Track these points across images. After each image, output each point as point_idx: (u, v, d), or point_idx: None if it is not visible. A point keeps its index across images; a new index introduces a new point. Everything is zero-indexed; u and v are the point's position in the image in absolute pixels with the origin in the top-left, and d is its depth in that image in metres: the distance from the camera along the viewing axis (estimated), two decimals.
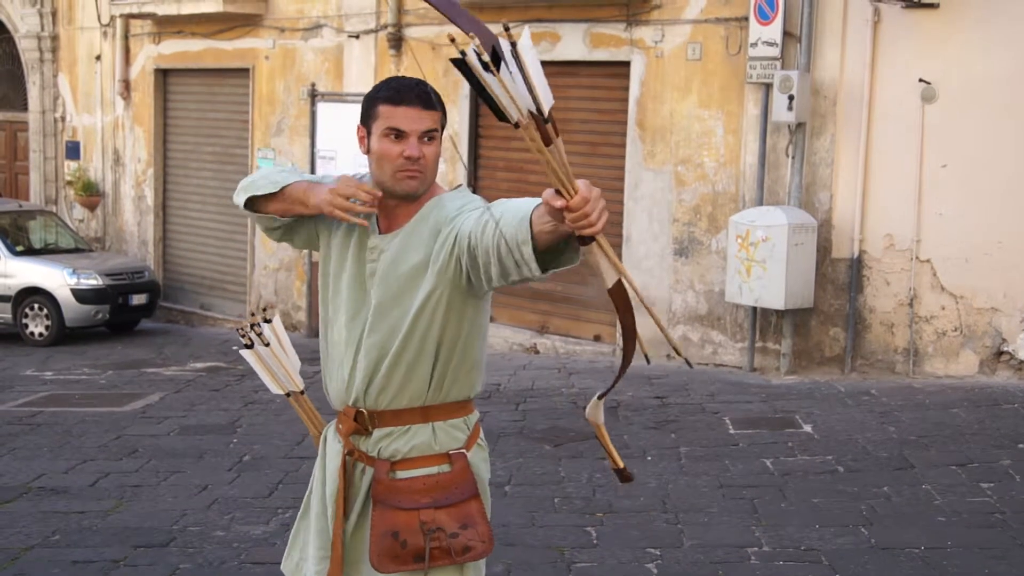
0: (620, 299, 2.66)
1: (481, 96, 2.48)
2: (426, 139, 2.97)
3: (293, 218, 3.16)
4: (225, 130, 16.36)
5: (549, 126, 2.50)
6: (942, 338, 9.96)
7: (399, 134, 2.95)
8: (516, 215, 2.72)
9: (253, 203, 3.18)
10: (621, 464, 2.87)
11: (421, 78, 3.06)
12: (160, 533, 6.19)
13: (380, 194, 2.96)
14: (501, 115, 2.49)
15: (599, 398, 2.82)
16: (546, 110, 2.46)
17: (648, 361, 2.66)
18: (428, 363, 3.00)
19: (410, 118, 2.94)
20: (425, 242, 2.98)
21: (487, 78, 2.43)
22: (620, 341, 2.80)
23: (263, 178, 3.15)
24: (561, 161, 2.51)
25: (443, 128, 3.03)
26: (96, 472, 7.55)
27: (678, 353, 2.78)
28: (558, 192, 2.53)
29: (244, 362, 3.37)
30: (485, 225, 2.78)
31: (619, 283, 2.62)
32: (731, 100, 10.98)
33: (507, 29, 2.44)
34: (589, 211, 2.48)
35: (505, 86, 2.43)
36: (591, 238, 2.53)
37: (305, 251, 13.72)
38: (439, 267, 2.94)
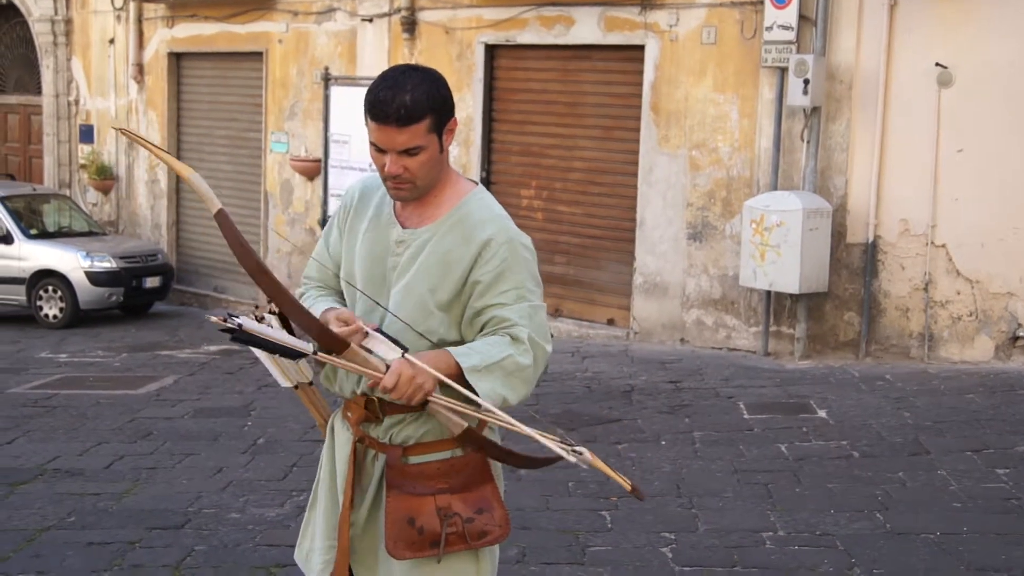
0: (472, 442, 2.98)
1: (271, 351, 2.87)
2: (409, 153, 2.90)
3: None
4: (238, 114, 16.35)
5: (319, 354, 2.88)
6: (957, 323, 9.92)
7: (381, 149, 2.92)
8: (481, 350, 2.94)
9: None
10: (628, 485, 2.98)
11: (419, 70, 2.95)
12: (175, 515, 6.20)
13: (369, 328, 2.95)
14: (295, 355, 2.87)
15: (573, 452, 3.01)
16: (309, 349, 2.85)
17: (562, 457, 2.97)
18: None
19: (388, 136, 2.88)
20: (455, 255, 2.97)
21: (269, 333, 2.82)
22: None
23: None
24: (361, 362, 2.85)
25: (440, 127, 2.93)
26: (111, 454, 7.57)
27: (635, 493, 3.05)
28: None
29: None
30: (484, 331, 2.97)
31: (466, 431, 2.93)
32: (746, 84, 10.93)
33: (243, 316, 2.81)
34: (400, 394, 2.81)
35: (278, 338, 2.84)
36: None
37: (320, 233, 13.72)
38: (456, 295, 2.98)
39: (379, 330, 2.87)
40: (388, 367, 2.80)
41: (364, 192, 3.17)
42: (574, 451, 2.94)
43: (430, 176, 2.97)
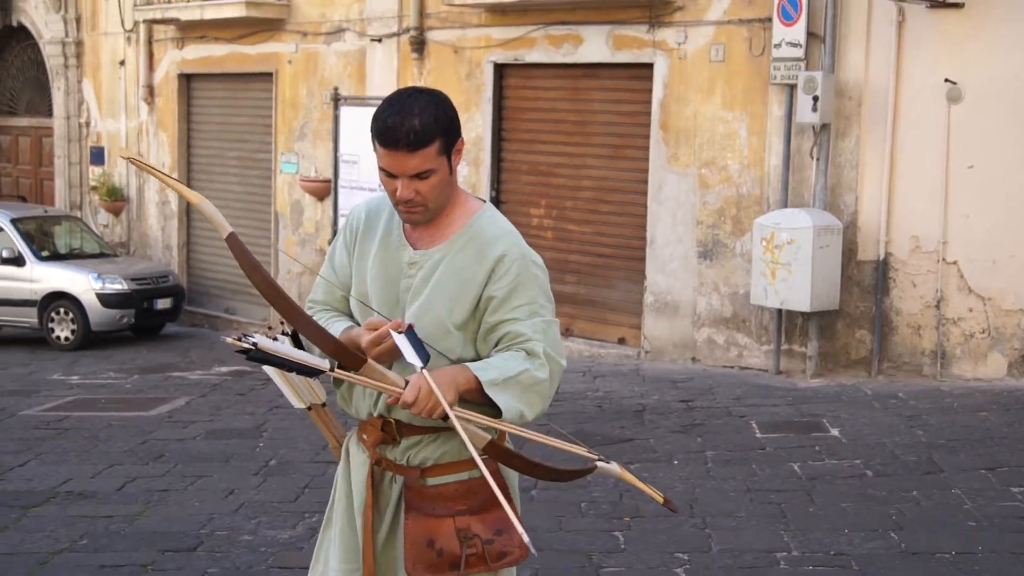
0: (497, 456, 2.99)
1: (288, 369, 2.88)
2: (421, 177, 2.91)
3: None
4: (248, 134, 16.41)
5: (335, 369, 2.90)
6: (970, 340, 9.89)
7: (391, 174, 2.93)
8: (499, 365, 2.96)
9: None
10: (661, 498, 3.06)
11: (424, 92, 2.96)
12: (187, 537, 6.20)
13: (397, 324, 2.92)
14: (312, 372, 2.89)
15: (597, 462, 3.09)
16: (325, 366, 2.86)
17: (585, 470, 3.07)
18: None
19: (398, 162, 2.88)
20: (469, 272, 2.98)
21: (285, 351, 2.83)
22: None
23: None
24: (379, 377, 2.87)
25: (449, 149, 2.94)
26: (123, 476, 7.57)
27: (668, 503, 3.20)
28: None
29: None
30: (499, 346, 2.99)
31: (491, 444, 2.96)
32: (755, 101, 10.94)
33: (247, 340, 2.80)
34: (419, 409, 2.81)
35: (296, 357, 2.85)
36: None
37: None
38: (471, 312, 2.99)
39: (411, 330, 2.85)
40: (407, 383, 2.80)
41: (370, 214, 3.17)
42: (601, 459, 2.97)
43: (441, 198, 2.98)
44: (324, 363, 2.83)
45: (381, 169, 2.94)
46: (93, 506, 6.87)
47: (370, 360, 2.84)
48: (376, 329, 2.89)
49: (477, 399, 2.88)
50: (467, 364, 2.91)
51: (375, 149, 2.93)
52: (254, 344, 2.72)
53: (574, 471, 3.12)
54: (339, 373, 2.86)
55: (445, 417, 2.81)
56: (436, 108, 2.90)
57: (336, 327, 3.09)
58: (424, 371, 2.80)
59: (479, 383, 2.86)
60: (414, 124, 2.85)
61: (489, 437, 2.91)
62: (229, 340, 2.77)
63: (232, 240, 2.88)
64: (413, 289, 3.03)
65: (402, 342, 2.81)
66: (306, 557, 5.54)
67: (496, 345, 2.97)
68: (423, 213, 2.98)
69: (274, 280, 2.94)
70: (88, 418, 9.62)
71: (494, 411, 2.90)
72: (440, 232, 3.04)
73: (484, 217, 3.06)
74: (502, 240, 3.01)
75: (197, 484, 7.36)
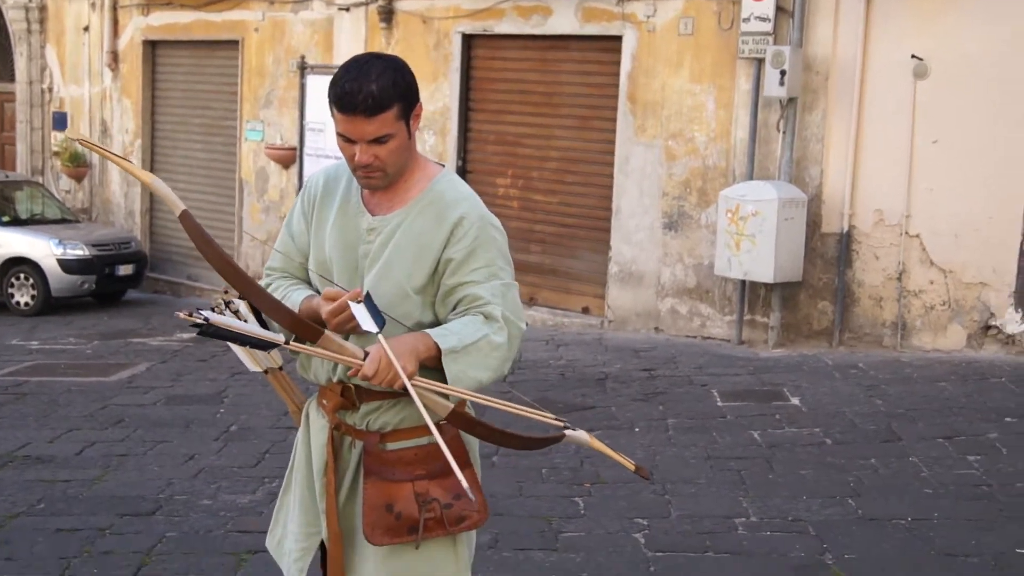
0: (458, 423, 2.94)
1: (241, 343, 2.83)
2: (379, 142, 2.89)
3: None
4: (214, 102, 16.26)
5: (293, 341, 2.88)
6: (930, 312, 9.97)
7: (349, 139, 2.90)
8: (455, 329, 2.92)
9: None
10: (632, 466, 3.03)
11: (381, 58, 2.93)
12: (146, 502, 6.16)
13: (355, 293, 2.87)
14: (267, 346, 2.84)
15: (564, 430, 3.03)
16: (281, 340, 2.83)
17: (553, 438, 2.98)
18: None
19: (356, 127, 2.86)
20: (428, 236, 2.97)
21: (238, 326, 2.78)
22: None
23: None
24: (337, 349, 2.83)
25: (408, 114, 2.91)
26: (82, 441, 7.52)
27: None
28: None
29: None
30: (457, 309, 2.96)
31: (452, 412, 2.89)
32: (723, 75, 10.93)
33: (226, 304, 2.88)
34: (379, 380, 2.77)
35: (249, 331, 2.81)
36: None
37: None
38: (431, 276, 2.97)
39: (368, 298, 2.82)
40: (366, 354, 2.78)
41: (328, 180, 3.15)
42: (568, 426, 2.95)
43: (400, 163, 2.96)
44: (279, 336, 2.81)
45: (339, 135, 2.92)
46: (51, 470, 6.82)
47: (328, 332, 2.80)
48: (335, 299, 2.86)
49: (439, 365, 2.86)
50: (427, 331, 2.88)
51: (332, 115, 2.91)
52: (205, 319, 2.68)
53: (541, 439, 3.11)
54: (295, 346, 2.84)
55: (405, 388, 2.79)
56: (394, 73, 2.88)
57: (295, 296, 3.07)
58: (383, 341, 2.77)
59: (439, 350, 2.84)
60: (372, 89, 2.83)
61: (451, 406, 2.88)
62: (181, 315, 2.74)
63: (185, 218, 2.88)
64: (371, 255, 3.01)
65: (359, 311, 2.78)
66: (265, 522, 5.51)
67: (455, 308, 2.95)
68: (381, 178, 2.95)
69: (229, 256, 2.93)
70: (47, 383, 9.55)
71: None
72: (399, 197, 3.02)
73: (443, 181, 3.05)
74: (461, 203, 3.00)
75: (157, 449, 7.32)
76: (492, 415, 3.06)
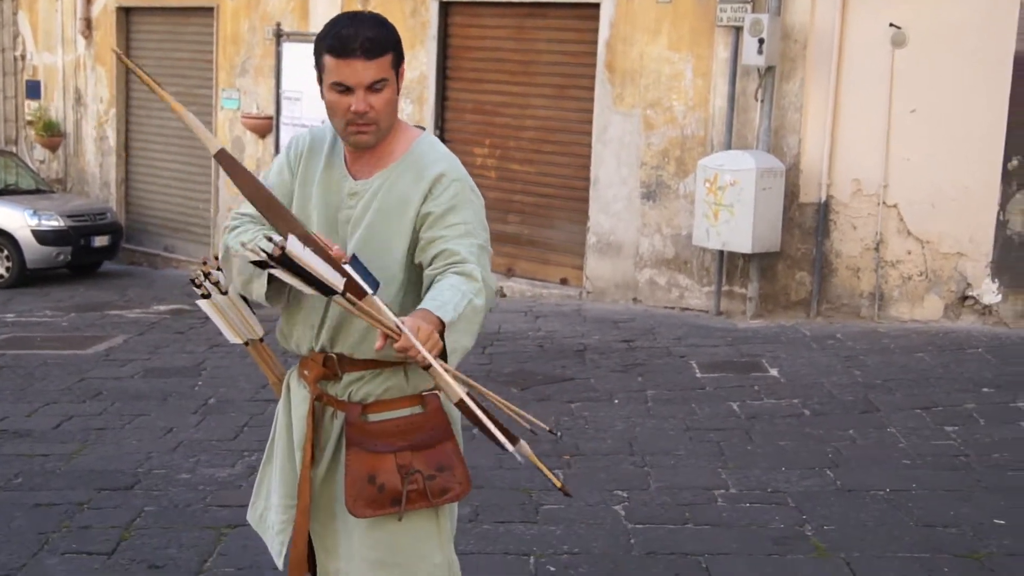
0: (467, 414, 2.79)
1: (304, 281, 2.64)
2: (375, 89, 2.88)
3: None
4: (189, 70, 16.11)
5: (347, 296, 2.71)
6: (907, 283, 10.00)
7: (345, 88, 2.87)
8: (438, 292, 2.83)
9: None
10: (559, 483, 2.93)
11: (368, 12, 2.97)
12: (124, 476, 6.14)
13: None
14: (326, 290, 2.66)
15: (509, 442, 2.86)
16: (340, 286, 2.66)
17: (504, 447, 2.79)
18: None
19: (354, 71, 2.85)
20: (408, 194, 2.95)
21: (309, 260, 2.60)
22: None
23: (255, 279, 2.99)
24: (378, 312, 2.69)
25: (399, 66, 2.94)
26: (59, 415, 7.48)
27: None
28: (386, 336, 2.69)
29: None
30: (434, 264, 2.90)
31: (462, 401, 2.75)
32: (701, 43, 10.90)
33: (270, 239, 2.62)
34: (413, 355, 2.64)
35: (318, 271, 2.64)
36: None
37: None
38: (412, 236, 2.95)
39: (355, 260, 2.77)
40: (399, 324, 2.67)
41: (314, 139, 3.13)
42: (512, 439, 2.81)
43: (391, 119, 2.96)
44: (339, 284, 2.67)
45: (333, 85, 2.88)
46: (29, 444, 6.78)
47: (372, 295, 2.72)
48: (328, 247, 2.77)
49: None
50: (426, 306, 2.80)
51: (323, 68, 2.89)
52: (282, 248, 2.55)
53: (502, 434, 3.03)
54: (341, 302, 2.69)
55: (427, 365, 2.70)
56: (384, 23, 2.92)
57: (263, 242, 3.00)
58: (409, 321, 2.67)
59: (442, 324, 2.77)
60: (369, 34, 2.85)
61: (465, 391, 2.77)
62: (247, 246, 2.66)
63: (222, 156, 2.84)
64: (353, 220, 2.99)
65: (351, 272, 2.74)
66: (244, 495, 5.51)
67: (431, 264, 2.91)
68: (374, 133, 2.93)
69: (273, 195, 2.88)
70: (23, 356, 9.48)
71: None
72: (380, 161, 3.01)
73: (424, 143, 3.05)
74: (441, 161, 3.00)
75: (135, 423, 7.29)
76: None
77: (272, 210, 2.81)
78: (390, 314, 2.70)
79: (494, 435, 2.78)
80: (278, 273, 2.63)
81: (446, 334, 2.76)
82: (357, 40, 2.83)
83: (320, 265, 2.62)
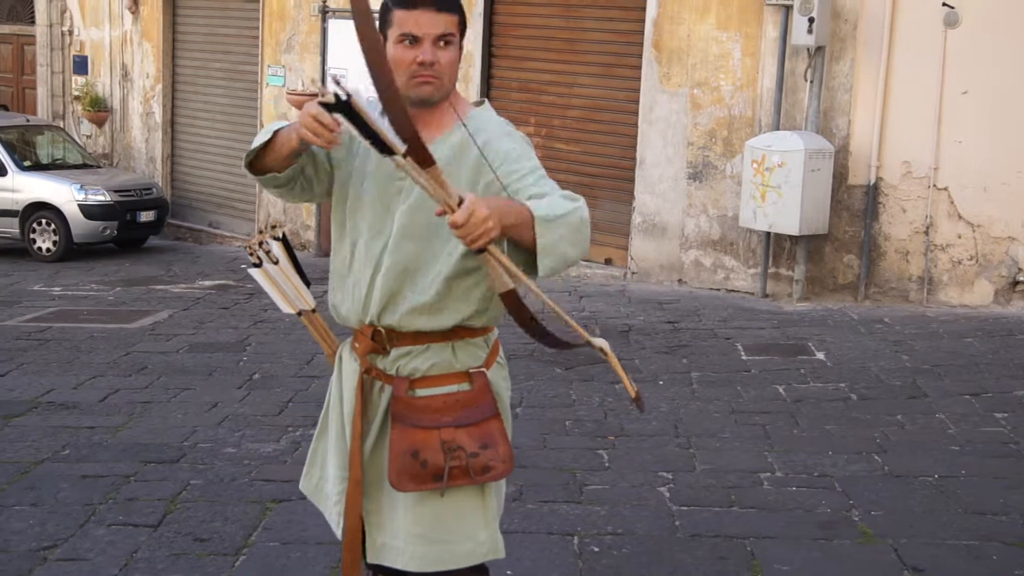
0: (510, 305, 2.77)
1: (364, 134, 2.55)
2: (442, 43, 2.86)
3: (297, 169, 3.02)
4: (235, 46, 16.15)
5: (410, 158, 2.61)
6: (957, 267, 9.88)
7: (413, 39, 2.84)
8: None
9: (254, 166, 3.06)
10: (634, 392, 2.90)
11: None
12: (170, 449, 6.17)
13: (338, 127, 2.68)
14: (384, 149, 2.56)
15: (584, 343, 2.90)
16: (402, 149, 2.56)
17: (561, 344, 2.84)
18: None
19: (424, 22, 2.83)
20: (463, 165, 2.90)
21: (371, 116, 2.51)
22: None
23: (259, 135, 3.03)
24: (439, 183, 2.59)
25: (463, 32, 2.92)
26: (106, 388, 7.53)
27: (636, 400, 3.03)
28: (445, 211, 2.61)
29: (253, 281, 3.27)
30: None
31: (511, 292, 2.72)
32: (750, 22, 10.78)
33: (337, 82, 2.53)
34: (467, 232, 2.55)
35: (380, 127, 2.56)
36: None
37: None
38: (472, 178, 2.90)
39: (348, 103, 2.58)
40: (461, 201, 2.59)
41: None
42: (595, 338, 2.87)
43: (453, 79, 2.93)
44: (400, 146, 2.56)
45: (402, 36, 2.84)
46: (76, 417, 6.84)
47: (437, 164, 2.61)
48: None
49: (519, 237, 2.71)
50: (519, 200, 2.74)
51: (390, 22, 2.85)
52: (348, 96, 2.51)
53: (570, 343, 3.02)
54: (403, 164, 2.58)
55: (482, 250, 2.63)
56: None
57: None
58: (488, 200, 2.61)
59: (531, 219, 2.70)
60: None
61: (513, 286, 2.74)
62: (320, 92, 2.57)
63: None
64: (404, 190, 2.95)
65: (343, 122, 2.59)
66: (289, 470, 5.53)
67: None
68: (437, 87, 2.89)
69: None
70: (70, 329, 9.57)
71: (526, 257, 2.75)
72: (431, 133, 2.92)
73: (484, 112, 3.02)
74: (500, 122, 3.00)
75: (180, 397, 7.33)
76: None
77: (384, 71, 2.63)
78: (453, 187, 2.63)
79: (543, 333, 2.85)
80: (341, 119, 2.57)
81: (542, 229, 2.69)
82: None
83: (386, 127, 2.55)
